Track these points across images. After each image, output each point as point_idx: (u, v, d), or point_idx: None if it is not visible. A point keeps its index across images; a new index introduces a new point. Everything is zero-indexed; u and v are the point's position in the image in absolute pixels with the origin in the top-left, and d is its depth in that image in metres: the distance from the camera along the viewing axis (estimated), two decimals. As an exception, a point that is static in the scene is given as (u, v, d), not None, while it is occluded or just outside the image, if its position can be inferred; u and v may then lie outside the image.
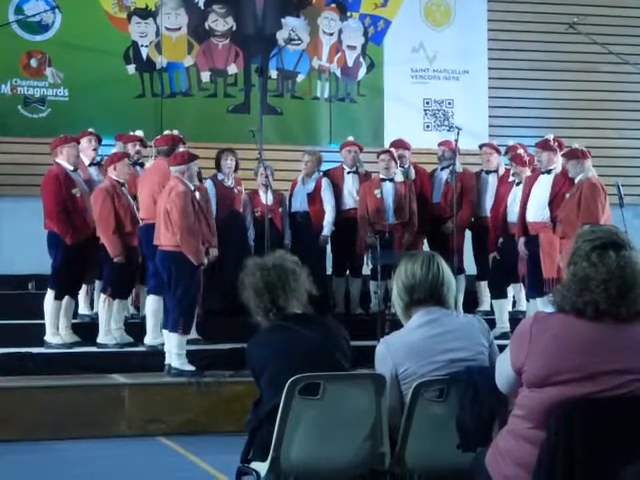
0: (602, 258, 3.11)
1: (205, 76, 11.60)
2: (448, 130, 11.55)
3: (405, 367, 3.99)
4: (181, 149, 8.65)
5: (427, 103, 12.19)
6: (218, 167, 9.72)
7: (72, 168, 8.81)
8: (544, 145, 9.02)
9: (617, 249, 3.13)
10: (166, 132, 9.40)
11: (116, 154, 9.06)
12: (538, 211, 8.83)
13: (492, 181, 9.93)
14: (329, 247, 10.02)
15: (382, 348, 4.05)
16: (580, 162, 8.55)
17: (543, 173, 8.94)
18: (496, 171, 9.97)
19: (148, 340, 8.52)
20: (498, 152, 10.07)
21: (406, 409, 4.00)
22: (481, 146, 10.22)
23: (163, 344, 8.43)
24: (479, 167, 10.19)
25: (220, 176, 9.69)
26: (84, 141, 9.24)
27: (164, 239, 8.01)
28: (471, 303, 9.98)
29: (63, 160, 8.76)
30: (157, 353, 8.26)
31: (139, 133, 9.66)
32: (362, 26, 12.06)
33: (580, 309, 3.10)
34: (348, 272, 10.11)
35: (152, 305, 8.46)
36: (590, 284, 3.09)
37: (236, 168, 9.74)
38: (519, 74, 12.24)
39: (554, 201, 8.70)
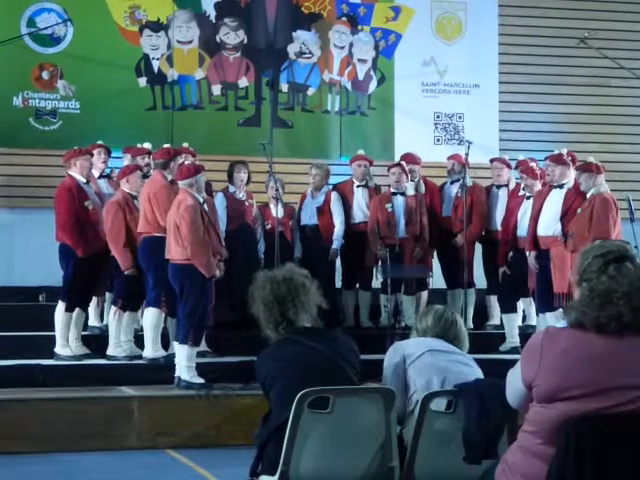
0: (620, 270, 3.10)
1: (216, 89, 11.63)
2: (458, 144, 11.55)
3: (412, 349, 4.33)
4: (188, 161, 8.64)
5: (438, 117, 12.20)
6: (230, 179, 9.73)
7: (85, 180, 8.83)
8: (557, 159, 8.98)
9: (632, 261, 3.13)
10: (165, 145, 9.40)
11: (128, 167, 9.07)
12: (549, 225, 8.80)
13: (502, 195, 9.92)
14: (339, 260, 10.02)
15: (394, 344, 4.50)
16: (593, 176, 8.52)
17: (555, 187, 8.90)
18: (507, 185, 9.97)
19: (148, 353, 8.50)
20: (509, 167, 10.07)
21: (415, 421, 4.01)
22: (492, 160, 10.23)
23: (164, 357, 8.45)
24: (490, 181, 10.19)
25: (232, 188, 9.70)
26: (94, 153, 9.26)
27: (174, 253, 8.01)
28: (481, 317, 9.96)
29: (76, 172, 8.78)
30: (167, 366, 8.25)
31: (147, 146, 9.67)
32: (373, 40, 12.08)
33: (603, 324, 3.07)
34: (358, 285, 10.10)
35: (152, 318, 8.46)
36: (612, 297, 3.07)
37: (248, 181, 9.75)
38: (530, 88, 12.24)
39: (566, 215, 8.68)
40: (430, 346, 4.32)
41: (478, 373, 4.32)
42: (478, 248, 10.06)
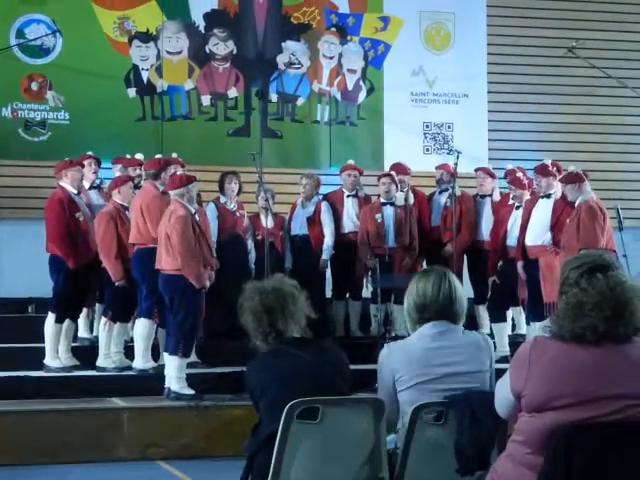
0: (591, 282, 3.14)
1: (205, 99, 11.64)
2: (448, 153, 11.56)
3: (400, 374, 4.08)
4: (179, 172, 8.64)
5: (427, 126, 12.22)
6: (222, 190, 9.73)
7: (76, 192, 8.82)
8: (542, 170, 9.04)
9: (604, 271, 3.16)
10: (156, 156, 9.40)
11: (120, 177, 9.07)
12: (538, 235, 8.83)
13: (486, 205, 9.94)
14: (329, 270, 10.02)
15: (384, 352, 4.18)
16: (577, 185, 8.56)
17: (542, 197, 8.94)
18: (490, 195, 9.98)
19: (138, 364, 8.49)
20: (492, 176, 10.08)
21: (405, 433, 4.00)
22: (476, 170, 10.24)
23: (154, 368, 8.43)
24: (475, 190, 10.21)
25: (223, 199, 9.71)
26: (84, 164, 9.25)
27: (165, 263, 8.01)
28: (470, 327, 9.94)
29: (67, 184, 8.76)
30: (156, 377, 8.23)
31: (139, 157, 9.67)
32: (362, 50, 12.11)
33: (579, 334, 3.11)
34: (348, 295, 10.10)
35: (143, 329, 8.44)
36: (584, 309, 3.11)
37: (239, 191, 9.75)
38: (518, 98, 12.28)
39: (556, 225, 8.71)
40: (421, 375, 4.06)
41: (479, 370, 4.15)
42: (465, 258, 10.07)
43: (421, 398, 4.04)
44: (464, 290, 4.40)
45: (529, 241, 8.87)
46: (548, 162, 9.20)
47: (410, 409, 3.99)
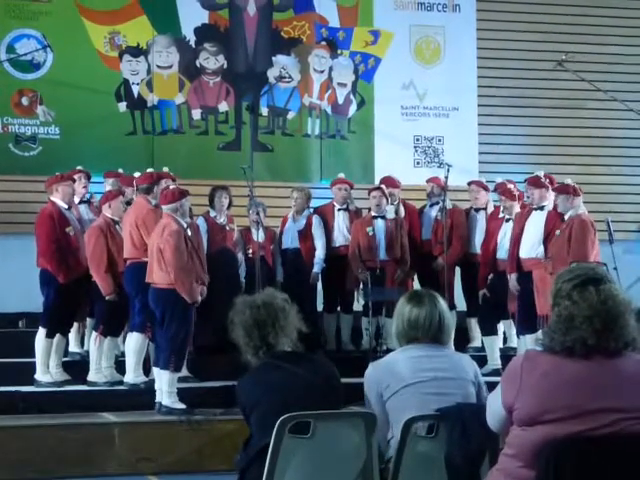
0: (583, 295, 3.14)
1: (196, 113, 11.65)
2: (438, 167, 11.59)
3: (387, 383, 4.13)
4: (171, 186, 8.64)
5: (417, 140, 12.24)
6: (212, 204, 9.73)
7: (66, 206, 8.81)
8: (535, 182, 9.04)
9: (596, 284, 3.17)
10: (148, 170, 9.39)
11: (111, 192, 9.06)
12: (531, 248, 8.82)
13: (481, 218, 9.95)
14: (320, 284, 10.02)
15: (369, 371, 4.24)
16: (571, 198, 8.57)
17: (535, 209, 8.94)
18: (485, 208, 9.99)
19: (129, 379, 8.47)
20: (486, 189, 10.09)
21: (396, 445, 3.99)
22: (469, 183, 10.25)
23: (145, 382, 8.41)
24: (469, 204, 10.22)
25: (212, 213, 9.71)
26: (75, 179, 9.24)
27: (157, 277, 7.99)
28: (462, 340, 9.95)
29: (58, 198, 8.75)
30: (147, 391, 8.21)
31: (136, 175, 9.65)
32: (352, 64, 12.13)
33: (569, 347, 3.11)
34: (339, 309, 10.10)
35: (135, 343, 8.42)
36: (575, 322, 3.11)
37: (229, 206, 9.75)
38: (508, 111, 12.31)
39: (549, 237, 8.71)
40: (406, 379, 4.14)
41: (462, 378, 4.21)
42: (457, 271, 10.07)
43: (409, 401, 4.07)
44: (454, 315, 4.48)
45: (523, 254, 8.86)
46: (541, 173, 9.21)
47: (401, 418, 4.00)
